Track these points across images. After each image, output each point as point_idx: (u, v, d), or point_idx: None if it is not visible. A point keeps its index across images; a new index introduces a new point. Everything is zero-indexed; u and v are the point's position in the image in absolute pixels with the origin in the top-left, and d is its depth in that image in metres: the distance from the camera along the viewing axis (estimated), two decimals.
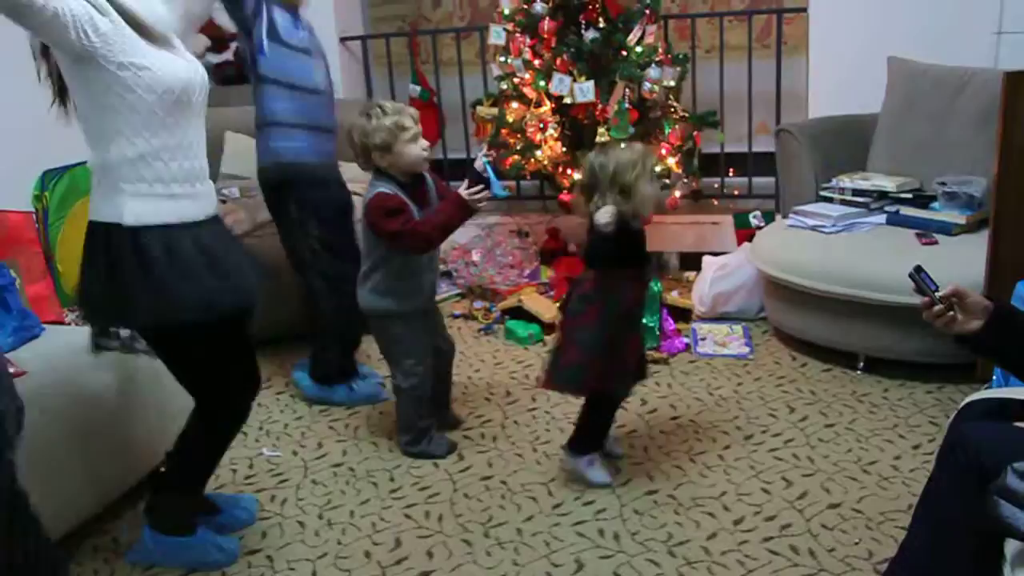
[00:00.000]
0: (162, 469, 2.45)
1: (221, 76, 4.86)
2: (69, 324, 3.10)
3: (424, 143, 2.74)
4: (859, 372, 3.28)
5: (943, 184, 3.33)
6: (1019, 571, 1.56)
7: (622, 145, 2.60)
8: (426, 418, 2.93)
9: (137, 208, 2.07)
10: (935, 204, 3.37)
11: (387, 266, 2.77)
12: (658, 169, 3.80)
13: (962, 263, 2.93)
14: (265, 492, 2.78)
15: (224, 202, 3.92)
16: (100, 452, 2.52)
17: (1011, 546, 1.59)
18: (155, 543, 2.41)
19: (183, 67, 2.13)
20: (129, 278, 2.06)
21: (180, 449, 2.39)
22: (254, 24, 2.96)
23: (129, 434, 2.62)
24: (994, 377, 2.50)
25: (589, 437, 2.72)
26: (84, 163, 2.18)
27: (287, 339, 3.77)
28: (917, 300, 1.85)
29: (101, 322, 2.23)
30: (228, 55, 4.80)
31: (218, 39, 4.75)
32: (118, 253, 2.07)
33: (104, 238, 2.08)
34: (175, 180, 2.12)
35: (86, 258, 2.12)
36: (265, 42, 2.96)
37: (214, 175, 4.13)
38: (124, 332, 2.25)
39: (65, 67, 2.02)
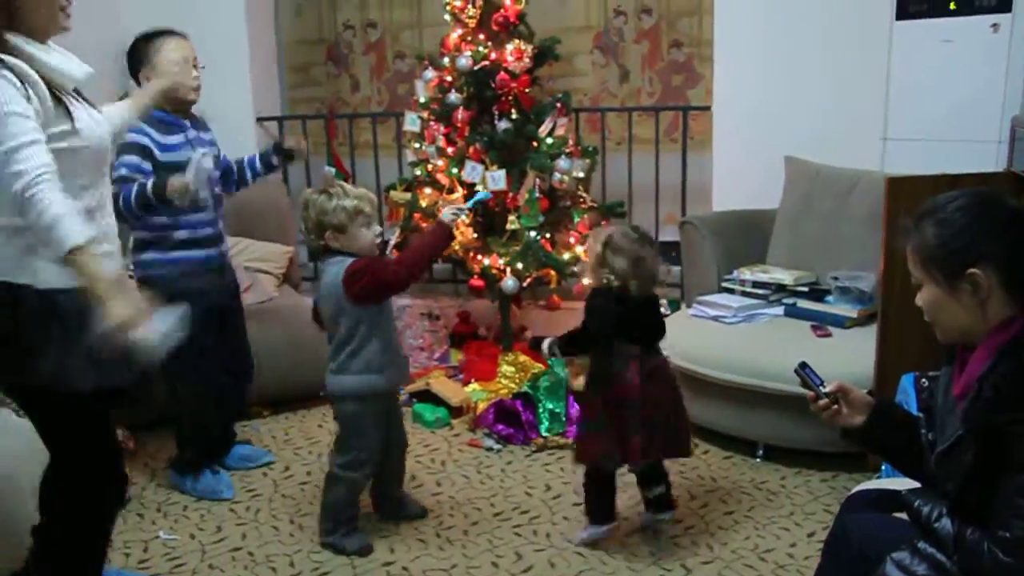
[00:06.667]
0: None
1: None
2: None
3: (376, 228, 2.76)
4: (758, 460, 3.36)
5: (836, 279, 3.48)
6: None
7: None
8: (353, 507, 2.87)
9: (52, 270, 2.02)
10: (829, 298, 3.52)
11: (376, 338, 2.72)
12: (567, 257, 3.92)
13: (854, 355, 3.05)
14: None
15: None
16: None
17: None
18: None
19: (99, 124, 2.12)
20: (36, 338, 2.01)
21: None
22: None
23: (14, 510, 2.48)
24: (883, 467, 2.60)
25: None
26: None
27: None
28: (807, 393, 1.93)
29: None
30: None
31: None
32: (25, 312, 2.01)
33: (8, 297, 2.03)
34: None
35: None
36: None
37: (124, 250, 4.07)
38: None
39: None
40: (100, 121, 2.17)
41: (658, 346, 2.75)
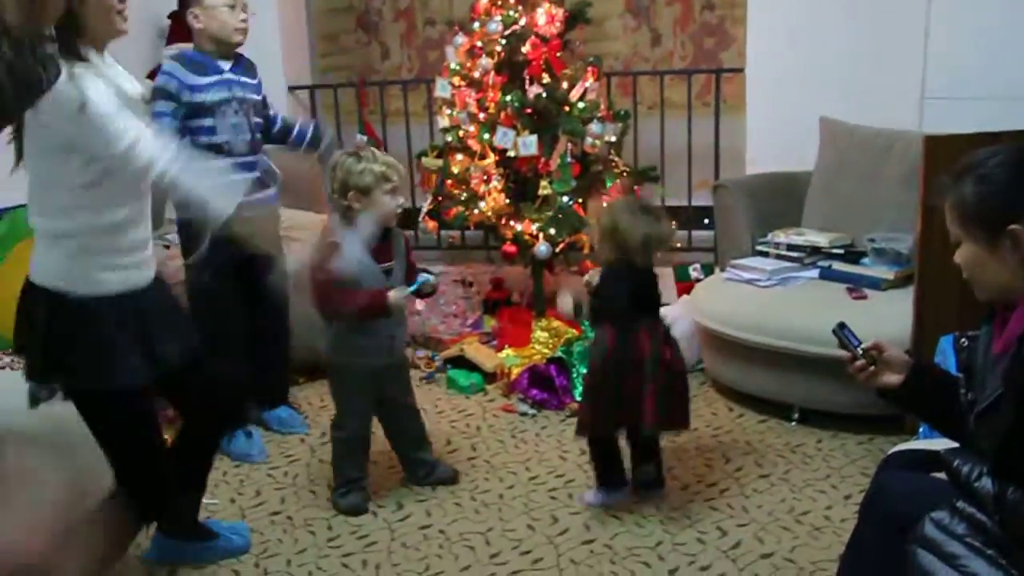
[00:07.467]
0: None
1: None
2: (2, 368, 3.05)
3: (400, 199, 2.77)
4: (794, 423, 3.35)
5: (872, 241, 3.45)
6: None
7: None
8: (356, 471, 2.92)
9: (94, 277, 2.08)
10: (865, 260, 3.48)
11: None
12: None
13: (890, 317, 3.02)
14: None
15: (167, 248, 3.90)
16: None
17: None
18: None
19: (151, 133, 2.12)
20: (73, 342, 2.06)
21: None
22: None
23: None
24: (921, 429, 2.58)
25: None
26: (24, 206, 2.16)
27: None
28: (844, 355, 1.92)
29: (40, 378, 2.18)
30: None
31: None
32: (62, 317, 2.06)
33: (47, 301, 2.07)
34: (130, 251, 2.14)
35: (26, 315, 2.11)
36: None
37: (159, 221, 4.11)
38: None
39: (41, 146, 2.00)
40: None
41: (660, 315, 2.83)
